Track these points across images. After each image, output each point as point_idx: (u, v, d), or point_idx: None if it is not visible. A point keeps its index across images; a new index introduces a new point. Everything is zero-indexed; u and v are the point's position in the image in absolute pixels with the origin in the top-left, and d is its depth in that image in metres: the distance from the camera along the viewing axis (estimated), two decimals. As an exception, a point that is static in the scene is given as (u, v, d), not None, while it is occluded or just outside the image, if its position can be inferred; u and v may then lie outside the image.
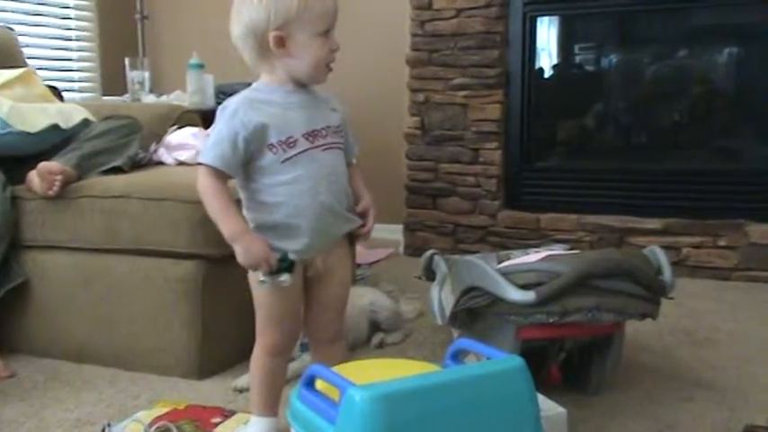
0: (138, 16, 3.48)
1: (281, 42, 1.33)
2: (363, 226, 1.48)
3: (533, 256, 1.71)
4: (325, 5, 1.34)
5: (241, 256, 1.33)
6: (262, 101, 1.37)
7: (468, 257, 1.70)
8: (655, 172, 3.10)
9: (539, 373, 1.71)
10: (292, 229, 1.37)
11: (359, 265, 3.14)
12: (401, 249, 3.48)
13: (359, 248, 3.43)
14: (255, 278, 1.38)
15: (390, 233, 3.55)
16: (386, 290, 2.49)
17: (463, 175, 3.31)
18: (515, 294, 1.52)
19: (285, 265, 1.34)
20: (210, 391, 1.84)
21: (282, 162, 1.35)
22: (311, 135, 1.38)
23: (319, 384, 1.20)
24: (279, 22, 1.32)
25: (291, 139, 1.36)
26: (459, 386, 1.14)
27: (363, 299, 2.22)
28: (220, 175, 1.34)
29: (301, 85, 1.40)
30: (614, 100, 3.32)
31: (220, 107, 1.38)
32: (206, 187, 1.35)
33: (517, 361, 1.20)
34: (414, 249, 3.39)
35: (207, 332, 1.91)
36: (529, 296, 1.50)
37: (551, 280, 1.51)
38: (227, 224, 1.33)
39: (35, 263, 2.06)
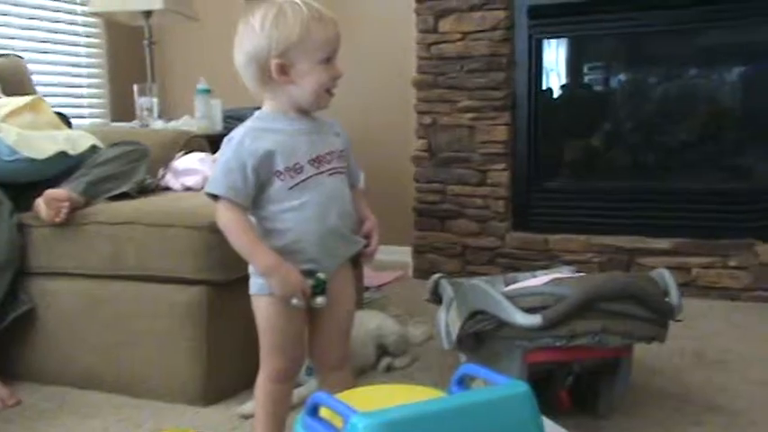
0: (146, 42, 3.50)
1: (282, 70, 1.34)
2: (367, 247, 1.48)
3: (539, 279, 1.70)
4: (327, 33, 1.35)
5: (278, 288, 1.34)
6: (267, 129, 1.37)
7: (474, 281, 1.69)
8: (664, 192, 3.09)
9: (547, 398, 1.70)
10: (298, 253, 1.37)
11: (367, 288, 3.13)
12: (410, 272, 3.47)
13: (367, 271, 3.42)
14: (286, 302, 1.37)
15: (399, 255, 3.55)
16: (393, 313, 2.48)
17: (471, 197, 3.30)
18: (521, 318, 1.51)
19: (319, 289, 1.37)
20: (216, 417, 1.83)
21: (290, 189, 1.36)
22: (316, 161, 1.39)
23: (324, 412, 1.19)
24: (280, 50, 1.32)
25: (298, 166, 1.36)
26: (464, 413, 1.13)
27: (371, 323, 2.21)
28: (239, 207, 1.34)
29: (304, 111, 1.41)
30: (622, 120, 3.31)
31: (226, 138, 1.39)
32: (229, 222, 1.35)
33: (522, 387, 1.18)
34: (422, 272, 3.38)
35: (212, 358, 1.90)
36: (535, 320, 1.49)
37: (557, 303, 1.50)
38: (259, 259, 1.35)
39: (42, 290, 2.07)
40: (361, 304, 2.71)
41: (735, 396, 1.91)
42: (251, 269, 1.42)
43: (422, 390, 1.33)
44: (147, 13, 3.44)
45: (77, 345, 2.02)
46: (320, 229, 1.38)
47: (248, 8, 1.37)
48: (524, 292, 1.57)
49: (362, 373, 2.10)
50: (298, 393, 1.72)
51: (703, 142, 3.17)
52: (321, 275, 1.38)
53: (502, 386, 1.21)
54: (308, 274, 1.37)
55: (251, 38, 1.34)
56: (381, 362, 2.17)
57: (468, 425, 1.11)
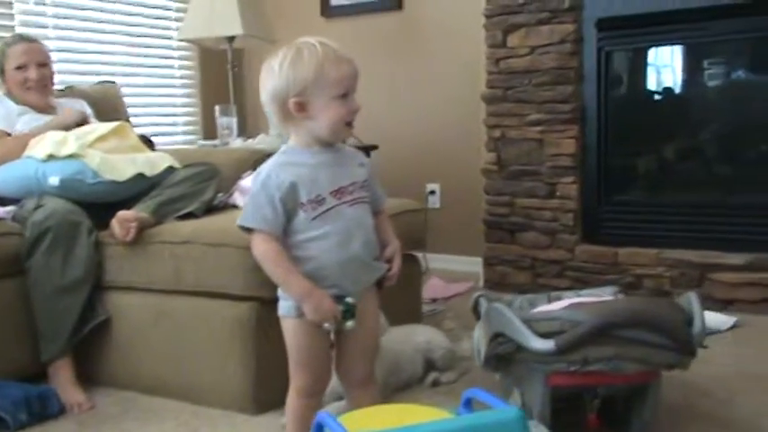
0: (229, 65, 3.71)
1: (301, 107, 1.44)
2: (389, 271, 1.56)
3: (560, 303, 1.72)
4: (341, 71, 1.43)
5: (311, 313, 1.44)
6: (292, 163, 1.48)
7: (497, 304, 1.73)
8: (739, 205, 2.99)
9: (577, 419, 1.72)
10: (322, 279, 1.46)
11: (434, 300, 3.19)
12: (481, 283, 3.50)
13: (439, 282, 3.48)
14: (318, 326, 1.47)
15: (472, 266, 3.60)
16: (447, 327, 2.53)
17: (540, 210, 3.31)
18: (536, 343, 1.54)
19: (349, 314, 1.46)
20: (264, 426, 1.96)
21: (312, 219, 1.45)
22: (338, 192, 1.48)
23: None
24: (297, 89, 1.42)
25: (320, 197, 1.46)
26: (454, 436, 1.18)
27: (419, 337, 2.27)
28: (271, 238, 1.45)
29: (327, 144, 1.50)
30: (694, 131, 3.21)
31: (255, 173, 1.50)
32: (264, 253, 1.45)
33: (515, 413, 1.23)
34: (493, 284, 3.42)
35: (261, 369, 2.02)
36: (548, 345, 1.52)
37: (572, 328, 1.52)
38: (294, 286, 1.45)
39: (115, 303, 2.25)
40: (420, 317, 2.79)
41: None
42: (280, 292, 1.52)
43: (430, 411, 1.39)
44: (231, 38, 3.64)
45: (145, 354, 2.20)
46: (342, 258, 1.46)
47: (271, 52, 1.49)
48: (543, 317, 1.60)
49: (408, 388, 2.16)
50: (337, 407, 1.81)
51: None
52: (350, 300, 1.46)
53: (496, 411, 1.25)
54: (338, 298, 1.46)
55: (271, 79, 1.45)
56: (428, 376, 2.23)
57: (457, 448, 1.17)
